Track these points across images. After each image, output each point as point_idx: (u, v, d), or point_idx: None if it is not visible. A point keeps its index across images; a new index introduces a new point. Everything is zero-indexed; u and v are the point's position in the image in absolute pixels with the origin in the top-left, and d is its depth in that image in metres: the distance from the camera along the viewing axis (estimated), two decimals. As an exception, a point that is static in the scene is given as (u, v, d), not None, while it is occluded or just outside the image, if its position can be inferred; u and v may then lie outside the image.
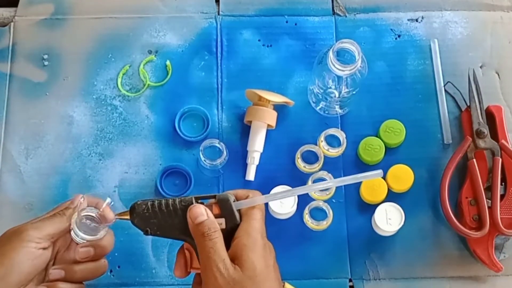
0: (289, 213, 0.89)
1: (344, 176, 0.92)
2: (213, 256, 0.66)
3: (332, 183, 0.82)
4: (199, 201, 0.71)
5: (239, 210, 0.70)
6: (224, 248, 0.67)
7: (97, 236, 0.75)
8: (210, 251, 0.66)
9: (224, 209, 0.69)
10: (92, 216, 0.75)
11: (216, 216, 0.69)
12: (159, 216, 0.70)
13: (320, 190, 0.90)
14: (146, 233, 0.71)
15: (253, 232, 0.68)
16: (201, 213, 0.68)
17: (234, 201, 0.70)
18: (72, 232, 0.74)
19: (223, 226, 0.69)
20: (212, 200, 0.70)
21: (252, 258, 0.66)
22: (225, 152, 0.90)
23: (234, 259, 0.66)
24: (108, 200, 0.75)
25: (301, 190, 0.72)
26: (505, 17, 1.01)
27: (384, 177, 0.91)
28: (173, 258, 0.89)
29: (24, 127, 0.95)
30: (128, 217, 0.72)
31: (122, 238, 0.89)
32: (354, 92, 0.88)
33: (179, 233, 0.71)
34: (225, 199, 0.69)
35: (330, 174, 0.91)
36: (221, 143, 0.90)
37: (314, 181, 0.91)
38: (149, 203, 0.71)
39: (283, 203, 0.88)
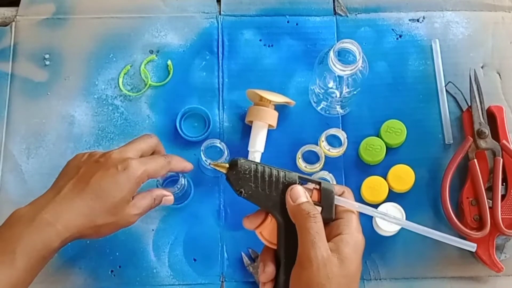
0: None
1: (344, 176, 0.93)
2: (318, 242, 0.64)
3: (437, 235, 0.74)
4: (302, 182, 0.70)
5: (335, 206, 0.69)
6: (325, 237, 0.66)
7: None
8: (316, 236, 0.65)
9: (325, 199, 0.68)
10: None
11: (314, 203, 0.68)
12: (258, 182, 0.69)
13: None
14: (239, 193, 0.70)
15: (358, 233, 0.68)
16: (302, 194, 0.67)
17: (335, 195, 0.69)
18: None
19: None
20: (315, 186, 0.69)
21: (353, 257, 0.65)
22: (226, 152, 0.90)
23: (333, 253, 0.65)
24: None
25: (405, 223, 0.71)
26: (506, 17, 1.01)
27: (385, 177, 0.91)
28: (174, 258, 0.90)
29: (26, 126, 0.95)
30: (224, 170, 0.71)
31: (123, 238, 0.90)
32: (355, 92, 0.88)
33: (272, 205, 0.69)
34: (329, 190, 0.68)
35: (331, 174, 0.91)
36: (222, 143, 0.90)
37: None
38: (252, 166, 0.69)
39: None
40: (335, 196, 0.68)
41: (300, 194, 0.68)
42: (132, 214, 0.75)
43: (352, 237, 0.67)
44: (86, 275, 0.89)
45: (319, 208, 0.68)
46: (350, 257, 0.65)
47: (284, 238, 0.69)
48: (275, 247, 0.71)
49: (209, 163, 0.74)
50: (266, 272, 0.70)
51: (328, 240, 0.66)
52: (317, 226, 0.65)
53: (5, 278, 0.68)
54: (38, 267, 0.71)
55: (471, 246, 0.69)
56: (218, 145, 0.91)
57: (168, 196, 0.81)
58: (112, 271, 0.89)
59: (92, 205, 0.72)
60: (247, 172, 0.69)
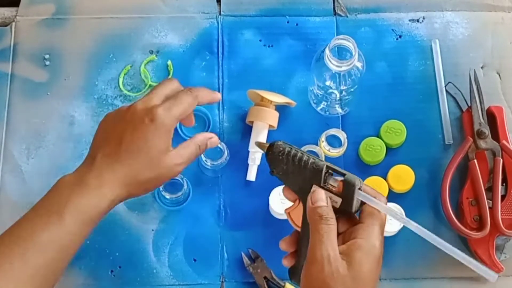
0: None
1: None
2: (326, 242, 0.64)
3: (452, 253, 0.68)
4: (329, 171, 0.70)
5: (360, 203, 0.68)
6: (336, 239, 0.66)
7: None
8: (324, 235, 0.65)
9: (346, 190, 0.68)
10: None
11: (336, 194, 0.68)
12: (290, 164, 0.70)
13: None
14: (271, 172, 0.72)
15: (376, 240, 0.66)
16: (322, 198, 0.67)
17: (360, 188, 0.68)
18: None
19: (337, 206, 0.68)
20: (339, 178, 0.69)
21: (364, 262, 0.64)
22: (226, 153, 0.90)
23: (343, 255, 0.65)
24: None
25: (421, 230, 0.67)
26: (506, 18, 1.01)
27: (385, 178, 0.91)
28: (174, 258, 0.90)
29: (26, 127, 0.95)
30: (264, 149, 0.72)
31: (123, 238, 0.90)
32: (352, 90, 0.88)
33: (299, 188, 0.70)
34: (352, 182, 0.67)
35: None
36: (222, 143, 0.90)
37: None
38: (286, 149, 0.71)
39: (284, 203, 0.88)
40: (357, 189, 0.68)
41: (320, 198, 0.68)
42: (175, 164, 0.75)
43: (368, 242, 0.66)
44: (86, 275, 0.89)
45: (339, 199, 0.68)
46: (361, 261, 0.64)
47: (304, 224, 0.70)
48: (299, 230, 0.72)
49: (255, 143, 0.76)
50: (286, 242, 0.72)
51: (344, 242, 0.66)
52: (327, 227, 0.65)
53: (55, 237, 0.69)
54: (87, 228, 0.71)
55: (492, 276, 0.65)
56: (218, 145, 0.91)
57: (212, 138, 0.80)
58: (112, 271, 0.89)
59: (131, 164, 0.72)
60: (280, 154, 0.71)
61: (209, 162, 0.90)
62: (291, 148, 0.71)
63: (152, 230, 0.91)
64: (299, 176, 0.70)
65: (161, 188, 0.89)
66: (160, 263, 0.90)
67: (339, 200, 0.68)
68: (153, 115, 0.74)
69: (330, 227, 0.65)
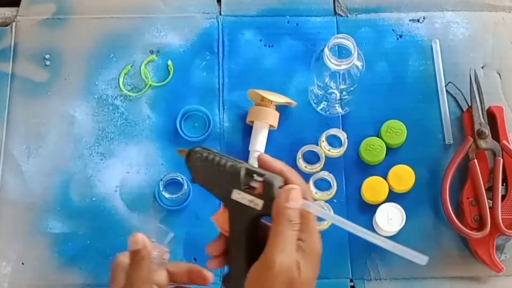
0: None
1: (345, 176, 0.93)
2: (287, 248, 0.62)
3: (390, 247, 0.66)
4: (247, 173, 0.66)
5: None
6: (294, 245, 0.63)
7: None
8: (288, 242, 0.62)
9: (266, 191, 0.64)
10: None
11: (257, 196, 0.65)
12: (209, 170, 0.67)
13: (322, 191, 0.90)
14: (192, 180, 0.69)
15: (316, 237, 0.64)
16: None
17: (280, 187, 0.65)
18: None
19: (258, 208, 0.65)
20: (261, 178, 0.65)
21: (309, 265, 0.63)
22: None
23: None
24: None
25: (361, 231, 0.63)
26: (507, 18, 1.01)
27: (385, 177, 0.91)
28: (174, 258, 0.89)
29: (26, 126, 0.95)
30: (184, 155, 0.69)
31: (123, 238, 0.90)
32: (352, 89, 0.88)
33: (221, 194, 0.67)
34: (271, 182, 0.64)
35: (331, 175, 0.91)
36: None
37: (315, 182, 0.91)
38: (204, 154, 0.67)
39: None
40: (278, 189, 0.64)
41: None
42: None
43: (313, 243, 0.64)
44: (86, 275, 0.89)
45: (261, 202, 0.64)
46: (308, 265, 0.63)
47: (233, 229, 0.68)
48: (227, 234, 0.69)
49: (176, 150, 0.73)
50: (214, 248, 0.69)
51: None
52: (292, 234, 0.63)
53: None
54: None
55: (422, 259, 0.63)
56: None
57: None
58: (112, 271, 0.89)
59: None
60: (199, 160, 0.68)
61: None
62: (208, 154, 0.67)
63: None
64: (220, 181, 0.67)
65: (161, 188, 0.89)
66: (160, 263, 0.89)
67: (260, 203, 0.65)
68: None
69: (294, 233, 0.63)
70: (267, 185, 0.64)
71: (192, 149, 0.69)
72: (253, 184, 0.66)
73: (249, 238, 0.66)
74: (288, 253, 0.62)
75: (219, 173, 0.66)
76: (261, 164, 0.67)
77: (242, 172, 0.66)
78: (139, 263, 0.68)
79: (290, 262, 0.62)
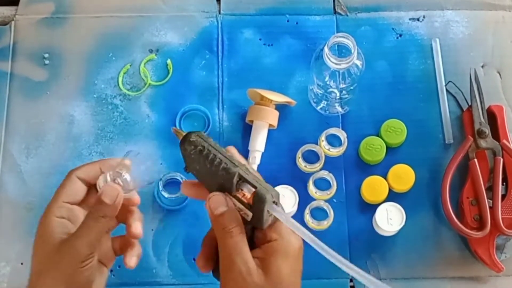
0: (290, 213, 0.89)
1: (344, 176, 0.92)
2: (235, 257, 0.60)
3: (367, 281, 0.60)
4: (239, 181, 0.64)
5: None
6: (247, 249, 0.61)
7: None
8: (232, 251, 0.60)
9: (256, 205, 0.61)
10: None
11: (247, 206, 0.62)
12: (201, 164, 0.64)
13: (321, 190, 0.90)
14: (185, 169, 0.66)
15: (289, 236, 0.62)
16: (222, 203, 0.62)
17: (274, 202, 0.61)
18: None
19: (248, 219, 0.62)
20: (251, 190, 0.63)
21: (281, 265, 0.60)
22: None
23: (260, 260, 0.61)
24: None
25: (339, 261, 0.59)
26: (507, 17, 1.01)
27: (385, 177, 0.91)
28: (174, 258, 0.89)
29: (25, 126, 0.95)
30: (180, 137, 0.66)
31: (123, 237, 0.90)
32: (352, 88, 0.87)
33: (211, 190, 0.64)
34: (262, 197, 0.60)
35: (331, 174, 0.90)
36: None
37: (315, 181, 0.91)
38: (198, 147, 0.64)
39: (283, 202, 0.88)
40: (268, 206, 0.61)
41: (220, 203, 0.62)
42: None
43: (283, 242, 0.61)
44: (85, 275, 0.89)
45: (250, 214, 0.62)
46: (278, 266, 0.60)
47: None
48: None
49: (172, 128, 0.70)
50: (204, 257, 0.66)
51: (260, 245, 0.63)
52: (233, 241, 0.61)
53: None
54: None
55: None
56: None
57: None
58: (111, 271, 0.89)
59: None
60: (192, 152, 0.65)
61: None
62: (203, 148, 0.64)
63: (152, 230, 0.91)
64: (211, 180, 0.64)
65: (161, 188, 0.89)
66: (160, 263, 0.89)
67: (250, 214, 0.62)
68: None
69: (235, 240, 0.61)
70: (259, 200, 0.61)
71: (187, 134, 0.66)
72: (245, 190, 0.63)
73: None
74: (239, 261, 0.60)
75: (211, 172, 0.64)
76: None
77: (235, 180, 0.63)
78: (98, 219, 0.67)
79: (246, 268, 0.60)
